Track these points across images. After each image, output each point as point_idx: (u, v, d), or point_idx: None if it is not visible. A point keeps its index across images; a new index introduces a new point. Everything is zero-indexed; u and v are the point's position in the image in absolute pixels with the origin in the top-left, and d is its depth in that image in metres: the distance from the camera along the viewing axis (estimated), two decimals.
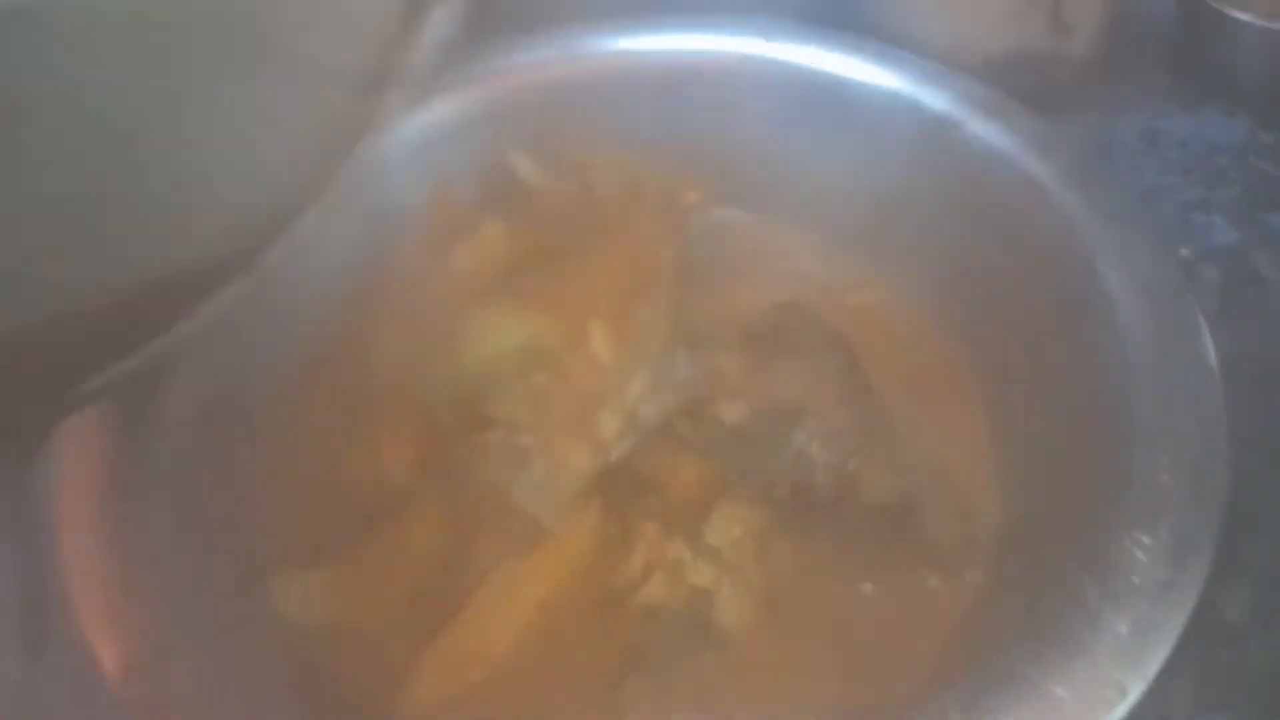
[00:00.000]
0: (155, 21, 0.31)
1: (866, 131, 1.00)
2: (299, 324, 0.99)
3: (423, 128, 1.06)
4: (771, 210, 1.09)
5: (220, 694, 0.67)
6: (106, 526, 0.73)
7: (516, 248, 0.94)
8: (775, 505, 0.83)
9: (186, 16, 0.33)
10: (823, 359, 0.85)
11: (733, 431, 0.84)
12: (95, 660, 0.66)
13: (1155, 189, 1.09)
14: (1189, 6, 1.20)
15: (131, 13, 0.31)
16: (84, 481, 0.75)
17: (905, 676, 0.72)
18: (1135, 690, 0.57)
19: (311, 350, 1.01)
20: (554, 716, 0.75)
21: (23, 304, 0.37)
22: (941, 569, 0.80)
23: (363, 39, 0.52)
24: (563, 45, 1.11)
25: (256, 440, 0.92)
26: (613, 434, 0.82)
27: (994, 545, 0.80)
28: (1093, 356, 0.77)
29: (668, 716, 0.74)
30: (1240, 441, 0.68)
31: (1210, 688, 0.71)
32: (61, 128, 0.31)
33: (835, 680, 0.73)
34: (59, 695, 0.70)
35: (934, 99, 0.96)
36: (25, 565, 0.72)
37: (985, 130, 0.93)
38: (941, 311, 0.98)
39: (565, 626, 0.79)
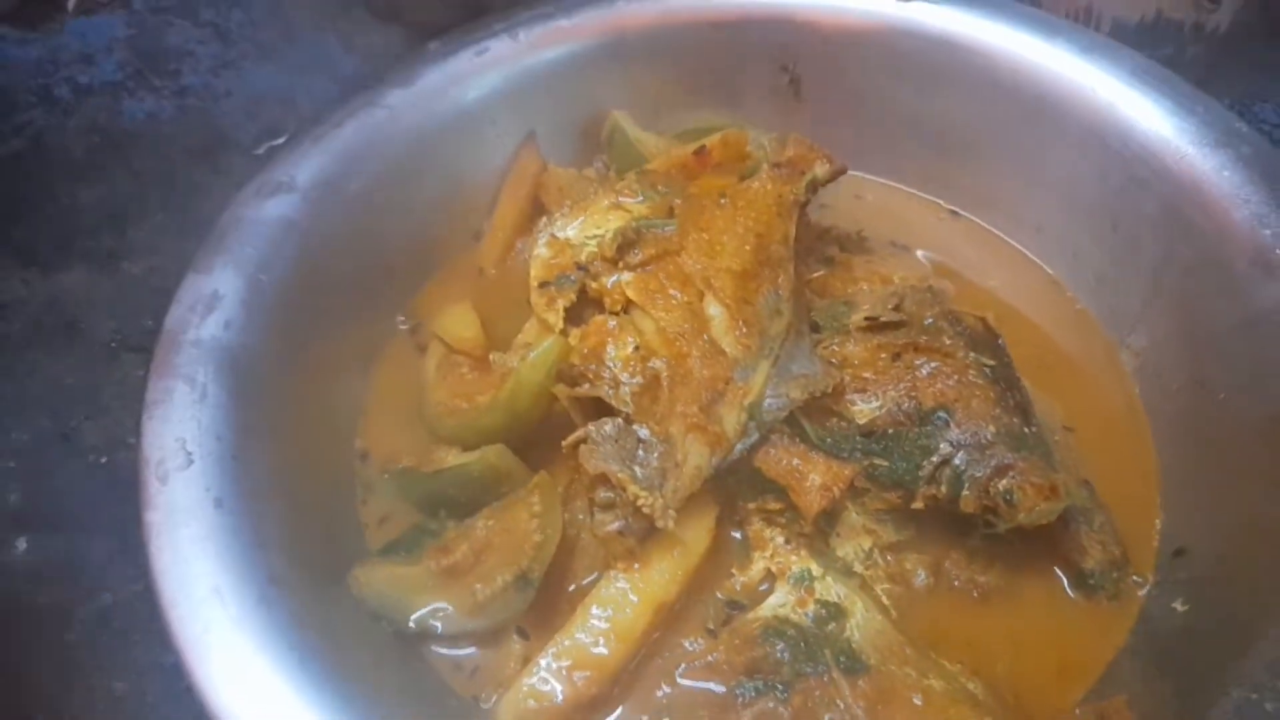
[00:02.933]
0: None
1: (1014, 99, 0.91)
2: (387, 283, 0.93)
3: (517, 74, 0.98)
4: (905, 181, 1.02)
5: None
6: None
7: (628, 218, 0.86)
8: (910, 518, 0.76)
9: None
10: (970, 358, 0.77)
11: (864, 434, 0.77)
12: None
13: None
14: None
15: None
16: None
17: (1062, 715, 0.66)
18: None
19: (397, 314, 0.95)
20: None
21: None
22: (1096, 597, 0.73)
23: None
24: None
25: (340, 420, 0.86)
26: (734, 429, 0.75)
27: (1161, 576, 0.73)
28: None
29: None
30: None
31: None
32: None
33: (982, 715, 0.66)
34: None
35: (1087, 65, 0.88)
36: None
37: (1149, 106, 0.84)
38: (1105, 308, 0.90)
39: (681, 637, 0.73)
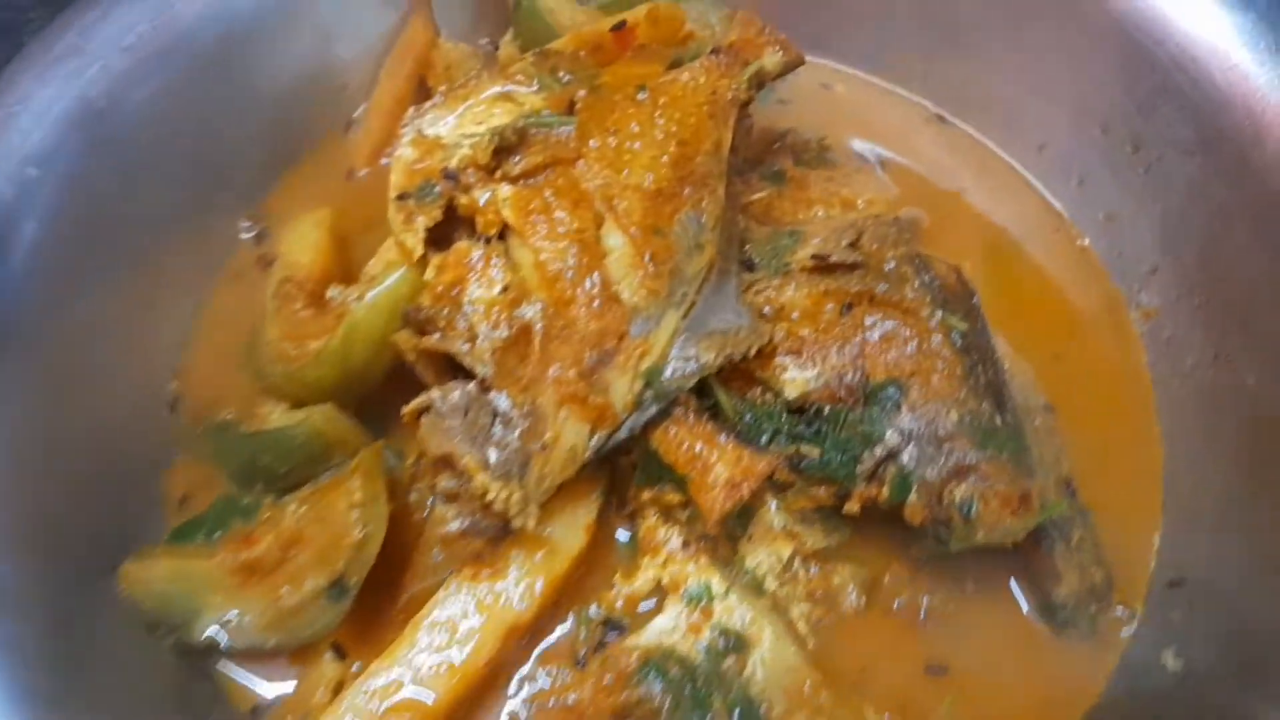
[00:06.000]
0: None
1: None
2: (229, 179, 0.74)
3: None
4: (886, 75, 0.83)
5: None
6: None
7: (518, 112, 0.66)
8: (844, 522, 0.60)
9: None
10: (936, 318, 0.60)
11: (793, 410, 0.60)
12: None
13: None
14: None
15: None
16: None
17: None
18: None
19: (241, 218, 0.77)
20: None
21: None
22: (1067, 633, 0.58)
23: None
24: None
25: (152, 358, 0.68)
26: (624, 400, 0.58)
27: (1151, 611, 0.57)
28: None
29: None
30: None
31: None
32: None
33: None
34: None
35: None
36: None
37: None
38: (1113, 252, 0.72)
39: (540, 666, 0.58)
